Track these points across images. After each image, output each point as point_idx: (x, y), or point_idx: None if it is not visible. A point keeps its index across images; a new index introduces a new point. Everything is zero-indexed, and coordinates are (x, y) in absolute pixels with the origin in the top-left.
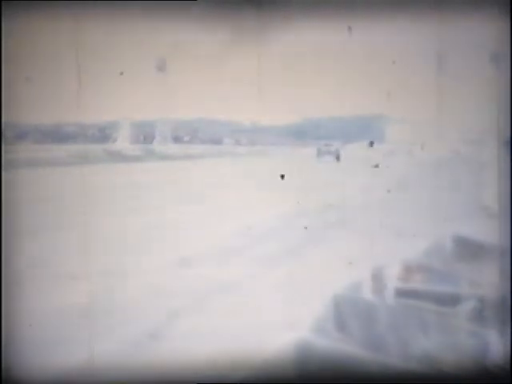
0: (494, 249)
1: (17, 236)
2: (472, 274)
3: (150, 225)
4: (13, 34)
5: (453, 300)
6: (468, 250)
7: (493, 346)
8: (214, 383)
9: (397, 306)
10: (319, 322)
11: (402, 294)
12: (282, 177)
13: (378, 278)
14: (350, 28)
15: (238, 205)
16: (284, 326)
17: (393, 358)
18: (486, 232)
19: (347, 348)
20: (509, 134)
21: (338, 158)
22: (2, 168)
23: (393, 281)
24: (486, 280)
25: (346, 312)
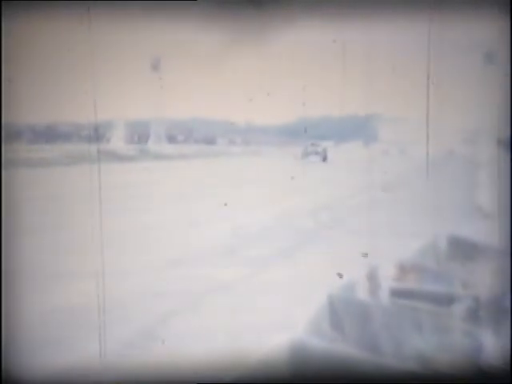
0: (488, 249)
1: (16, 235)
2: (466, 274)
3: (144, 224)
4: (12, 34)
5: (447, 300)
6: (462, 250)
7: (487, 345)
8: (210, 383)
9: (391, 305)
10: (314, 323)
11: (396, 294)
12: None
13: (372, 278)
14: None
15: (232, 204)
16: (279, 327)
17: (387, 357)
18: (481, 232)
19: (342, 348)
20: (507, 134)
21: (324, 158)
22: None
23: (387, 281)
24: (480, 280)
25: (340, 312)
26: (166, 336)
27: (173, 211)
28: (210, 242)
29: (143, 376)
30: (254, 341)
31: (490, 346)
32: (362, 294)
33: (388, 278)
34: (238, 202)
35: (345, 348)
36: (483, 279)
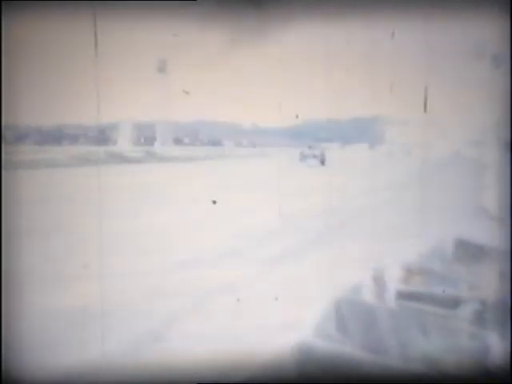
0: (494, 251)
1: (17, 237)
2: (473, 276)
3: (150, 226)
4: (13, 34)
5: (454, 302)
6: (469, 252)
7: (493, 348)
8: None
9: (398, 308)
10: (320, 324)
11: (402, 296)
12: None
13: (378, 281)
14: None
15: (238, 206)
16: (285, 328)
17: (394, 360)
18: (487, 234)
19: (348, 350)
20: (509, 135)
21: (323, 161)
22: (3, 169)
23: (394, 283)
24: (486, 282)
25: (346, 314)
26: (170, 337)
27: (178, 213)
28: (217, 244)
29: (147, 377)
30: (260, 343)
31: (496, 348)
32: (368, 296)
33: (394, 281)
34: (243, 204)
35: (351, 350)
36: (490, 281)
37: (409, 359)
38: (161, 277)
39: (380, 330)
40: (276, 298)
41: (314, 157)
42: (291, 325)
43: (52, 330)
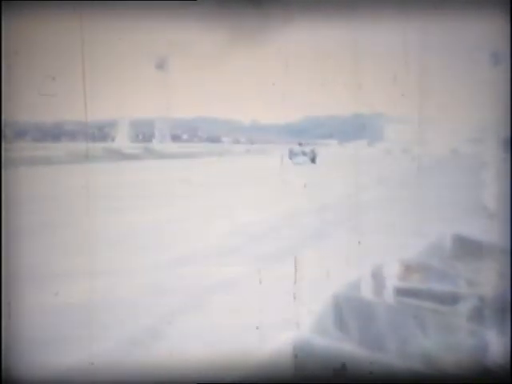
0: (493, 248)
1: (16, 235)
2: (471, 273)
3: (148, 223)
4: (13, 33)
5: (452, 299)
6: (467, 249)
7: (492, 345)
8: (213, 383)
9: (396, 304)
10: (319, 321)
11: (401, 292)
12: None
13: (377, 277)
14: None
15: (237, 203)
16: (283, 325)
17: (392, 357)
18: (486, 231)
19: (347, 347)
20: (508, 133)
21: (313, 159)
22: (2, 166)
23: (392, 280)
24: (485, 279)
25: (345, 311)
26: (169, 335)
27: (176, 209)
28: (215, 241)
29: (145, 375)
30: (258, 340)
31: (495, 345)
32: (367, 292)
33: (393, 277)
34: (241, 201)
35: (349, 347)
36: (488, 278)
37: (407, 356)
38: (158, 274)
39: (378, 327)
40: (274, 296)
41: (304, 154)
42: (289, 322)
43: (51, 329)
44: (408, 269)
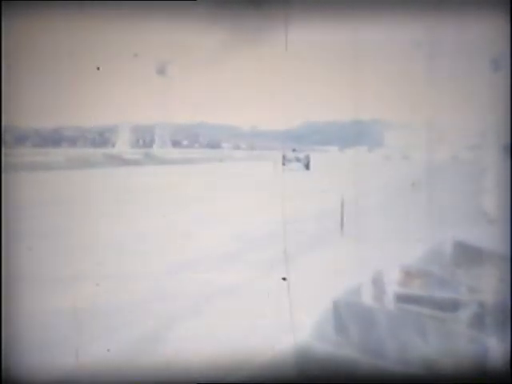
0: (494, 254)
1: (17, 238)
2: (472, 279)
3: (148, 229)
4: (13, 35)
5: (453, 305)
6: (467, 255)
7: (492, 351)
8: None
9: (396, 311)
10: (319, 327)
11: (401, 299)
12: None
13: (377, 283)
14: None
15: (237, 209)
16: (284, 331)
17: (392, 362)
18: (486, 237)
19: (347, 352)
20: (508, 140)
21: (307, 165)
22: (2, 171)
23: (393, 286)
24: (485, 285)
25: (345, 317)
26: (170, 339)
27: (177, 215)
28: (216, 246)
29: (147, 377)
30: (259, 345)
31: (495, 351)
32: (367, 298)
33: (393, 283)
34: (242, 207)
35: (349, 353)
36: (489, 284)
37: (408, 362)
38: (160, 279)
39: (379, 333)
40: (275, 301)
41: (298, 160)
42: (290, 327)
43: (52, 331)
44: (408, 275)
